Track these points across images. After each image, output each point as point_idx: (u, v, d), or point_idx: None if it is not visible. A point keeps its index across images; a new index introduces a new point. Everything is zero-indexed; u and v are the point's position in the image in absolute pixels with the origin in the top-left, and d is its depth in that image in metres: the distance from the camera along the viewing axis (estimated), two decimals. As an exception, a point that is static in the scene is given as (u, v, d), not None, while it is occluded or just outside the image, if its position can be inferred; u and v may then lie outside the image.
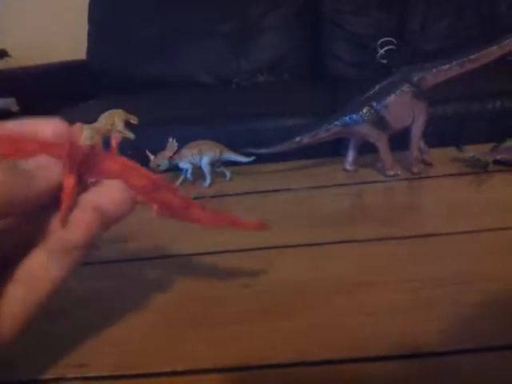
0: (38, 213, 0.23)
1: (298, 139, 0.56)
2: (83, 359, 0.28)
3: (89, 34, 1.88)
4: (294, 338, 0.28)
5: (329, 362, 0.26)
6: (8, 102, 0.50)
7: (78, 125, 0.24)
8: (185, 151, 0.58)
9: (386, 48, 1.60)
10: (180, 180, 0.59)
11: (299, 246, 0.40)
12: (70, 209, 0.23)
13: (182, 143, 0.58)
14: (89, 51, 1.89)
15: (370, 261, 0.36)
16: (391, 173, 0.54)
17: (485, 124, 1.13)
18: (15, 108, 0.50)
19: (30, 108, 0.60)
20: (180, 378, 0.26)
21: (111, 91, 1.68)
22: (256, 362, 0.26)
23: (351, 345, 0.27)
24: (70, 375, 0.27)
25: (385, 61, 1.58)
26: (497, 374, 0.24)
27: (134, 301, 0.34)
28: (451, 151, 0.57)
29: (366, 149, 0.57)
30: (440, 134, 0.68)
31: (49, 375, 0.27)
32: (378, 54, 1.60)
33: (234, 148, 0.60)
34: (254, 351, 0.27)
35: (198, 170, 0.58)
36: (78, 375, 0.27)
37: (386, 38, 1.60)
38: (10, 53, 1.80)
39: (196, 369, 0.26)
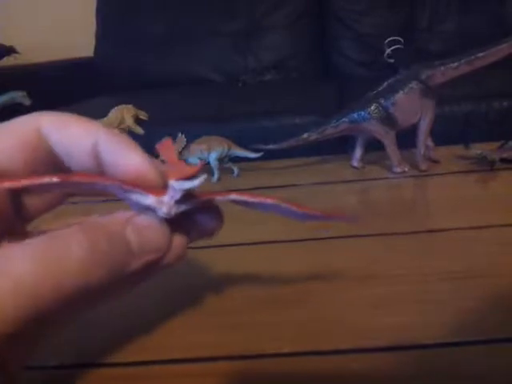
0: None
1: (305, 135, 0.56)
2: (91, 349, 0.28)
3: (96, 32, 1.89)
4: (301, 328, 0.29)
5: (335, 352, 0.26)
6: (19, 96, 0.51)
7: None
8: (193, 146, 0.58)
9: (393, 47, 1.60)
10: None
11: (307, 240, 0.41)
12: None
13: (190, 141, 0.59)
14: (96, 49, 1.90)
15: (376, 255, 0.37)
16: (398, 170, 0.54)
17: (491, 123, 1.13)
18: (27, 102, 0.51)
19: (37, 105, 0.61)
20: (189, 366, 0.27)
21: (118, 89, 1.69)
22: (264, 351, 0.27)
23: (358, 336, 0.27)
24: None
25: (392, 60, 1.58)
26: (500, 366, 0.24)
27: (145, 290, 0.34)
28: (458, 149, 0.57)
29: (373, 146, 0.57)
30: (446, 133, 0.68)
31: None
32: (385, 54, 1.60)
33: (241, 146, 0.60)
34: (261, 340, 0.28)
35: (205, 166, 0.59)
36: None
37: (393, 38, 1.60)
38: (17, 49, 1.81)
39: (204, 356, 0.27)
